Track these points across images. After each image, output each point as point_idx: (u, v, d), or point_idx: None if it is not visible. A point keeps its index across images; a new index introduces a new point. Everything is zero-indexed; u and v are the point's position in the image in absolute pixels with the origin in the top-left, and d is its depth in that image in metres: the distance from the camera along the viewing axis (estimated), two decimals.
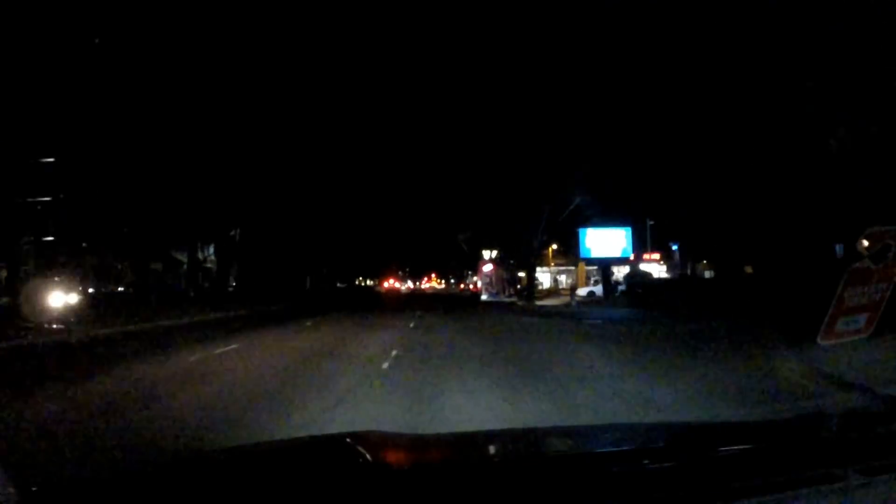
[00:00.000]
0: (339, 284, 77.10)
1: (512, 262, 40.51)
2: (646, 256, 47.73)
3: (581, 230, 34.43)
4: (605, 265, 37.95)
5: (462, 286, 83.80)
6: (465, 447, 2.16)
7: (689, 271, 38.26)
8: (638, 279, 31.98)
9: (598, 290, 42.99)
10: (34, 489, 1.33)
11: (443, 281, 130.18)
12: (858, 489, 1.40)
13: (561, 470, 1.56)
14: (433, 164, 40.32)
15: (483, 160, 32.69)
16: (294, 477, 1.48)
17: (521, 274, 45.24)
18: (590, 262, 44.51)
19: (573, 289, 36.92)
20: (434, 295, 66.82)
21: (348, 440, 1.81)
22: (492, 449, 2.22)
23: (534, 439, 2.33)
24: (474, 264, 68.30)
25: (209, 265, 40.75)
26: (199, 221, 33.05)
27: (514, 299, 36.92)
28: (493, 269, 40.58)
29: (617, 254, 35.57)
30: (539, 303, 34.92)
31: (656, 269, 46.80)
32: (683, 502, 1.36)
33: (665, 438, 2.20)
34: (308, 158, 37.38)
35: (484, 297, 38.80)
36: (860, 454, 1.54)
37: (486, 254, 54.80)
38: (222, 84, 28.47)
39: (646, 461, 1.63)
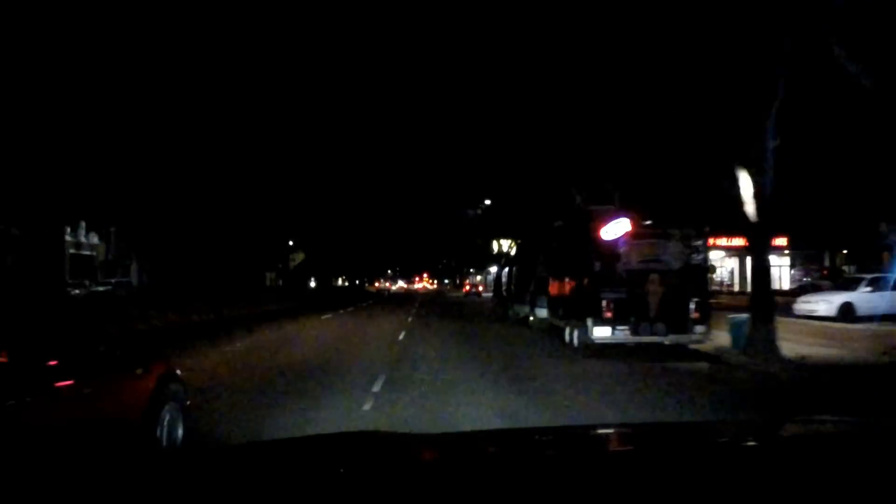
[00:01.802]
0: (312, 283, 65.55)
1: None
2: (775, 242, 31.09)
3: None
4: None
5: (467, 287, 66.16)
6: (464, 446, 2.07)
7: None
8: None
9: (833, 299, 18.66)
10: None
11: (435, 281, 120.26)
12: None
13: (561, 470, 1.54)
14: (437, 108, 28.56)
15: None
16: (292, 476, 1.47)
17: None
18: None
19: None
20: (427, 298, 54.65)
21: (347, 439, 1.85)
22: (492, 449, 2.10)
23: (534, 439, 2.27)
24: (483, 260, 56.62)
25: (87, 252, 29.75)
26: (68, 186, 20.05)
27: (702, 332, 12.40)
28: (632, 235, 12.48)
29: None
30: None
31: (777, 261, 32.14)
32: (683, 502, 1.32)
33: (665, 438, 2.13)
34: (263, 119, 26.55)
35: (601, 331, 12.09)
36: None
37: (505, 243, 42.66)
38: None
39: (646, 461, 1.61)
